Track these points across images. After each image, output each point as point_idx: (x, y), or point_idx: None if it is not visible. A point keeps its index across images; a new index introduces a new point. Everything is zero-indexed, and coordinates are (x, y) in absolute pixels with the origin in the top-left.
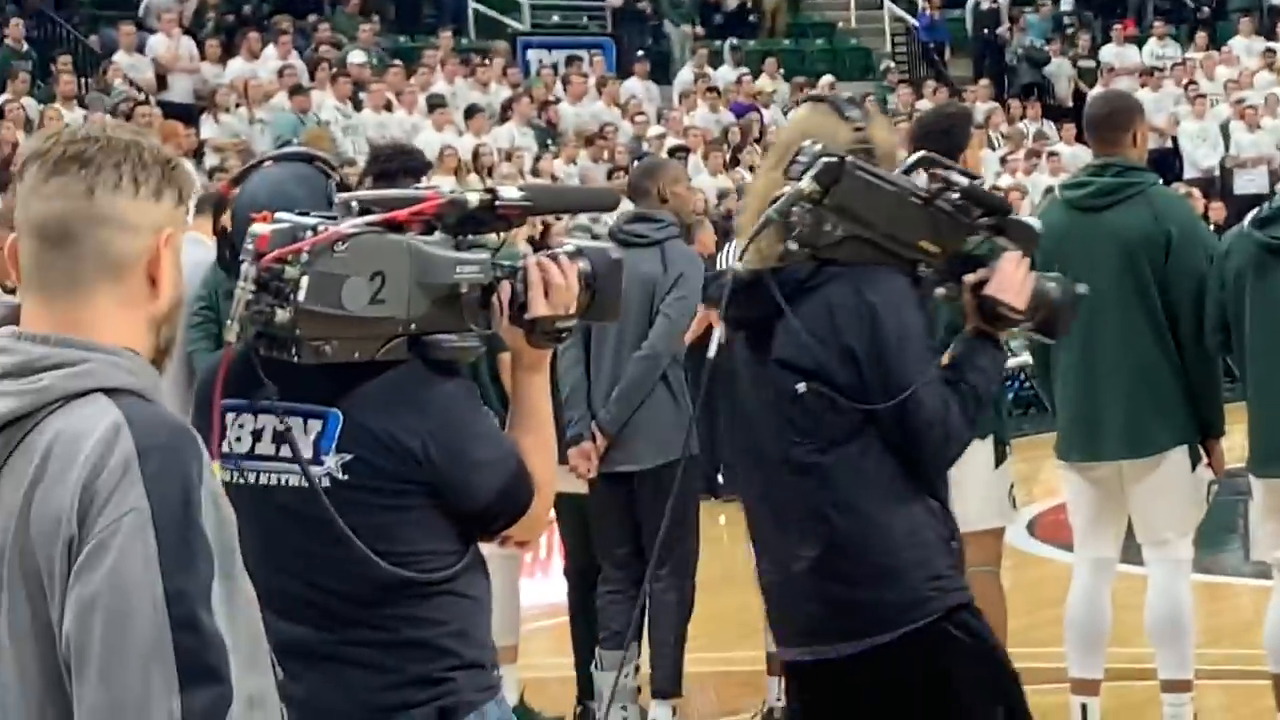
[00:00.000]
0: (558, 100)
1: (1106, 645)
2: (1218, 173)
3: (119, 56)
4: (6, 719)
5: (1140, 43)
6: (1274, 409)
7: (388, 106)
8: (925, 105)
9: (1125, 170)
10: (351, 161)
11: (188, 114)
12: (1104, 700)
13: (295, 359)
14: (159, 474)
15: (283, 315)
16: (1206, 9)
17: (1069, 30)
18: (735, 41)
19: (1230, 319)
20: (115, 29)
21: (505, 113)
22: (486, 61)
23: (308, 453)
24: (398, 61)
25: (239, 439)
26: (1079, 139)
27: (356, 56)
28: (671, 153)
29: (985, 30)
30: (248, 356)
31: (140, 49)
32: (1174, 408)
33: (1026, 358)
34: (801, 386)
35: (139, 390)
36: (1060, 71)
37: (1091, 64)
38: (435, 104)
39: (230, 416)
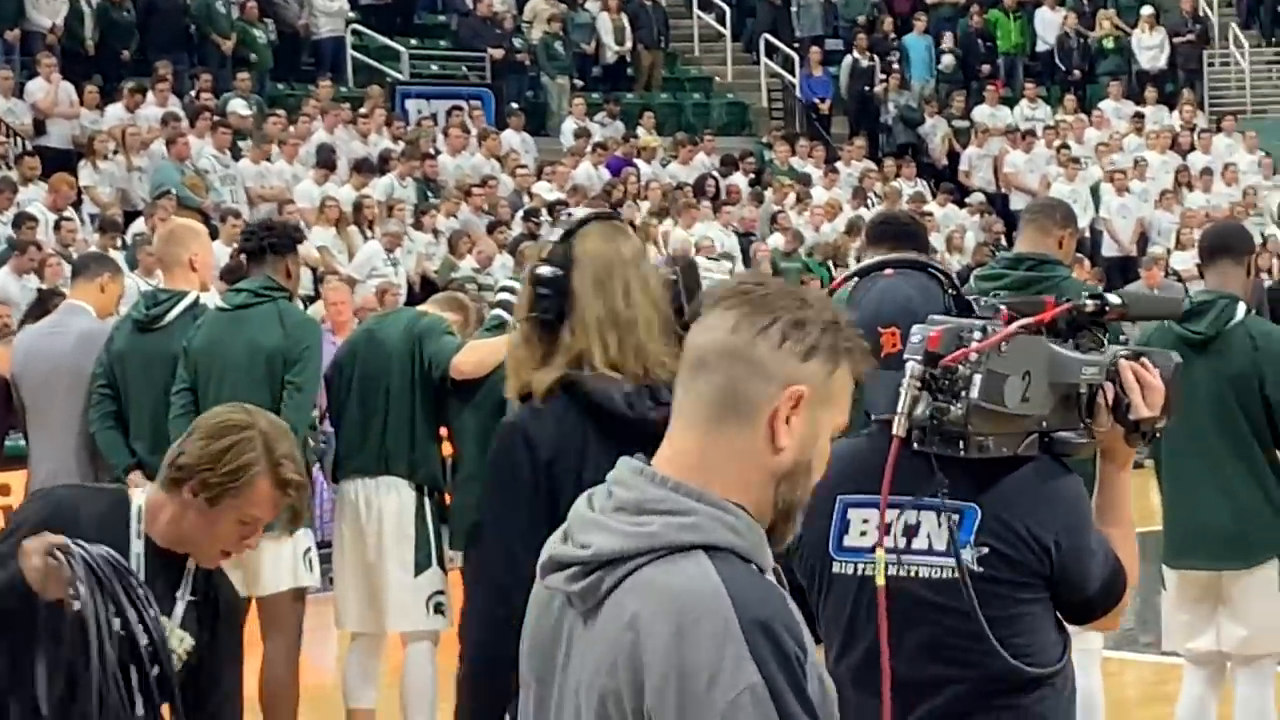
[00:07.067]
0: (438, 152)
1: None
2: (1087, 234)
3: None
4: None
5: (1011, 104)
6: (1185, 502)
7: (267, 156)
8: (797, 163)
9: None
10: (236, 213)
11: (66, 160)
12: None
13: (961, 453)
14: (766, 648)
15: (955, 412)
16: (1077, 72)
17: (943, 91)
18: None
19: None
20: None
21: (385, 164)
22: (366, 113)
23: (942, 545)
24: (278, 111)
25: (864, 534)
26: (952, 200)
27: (236, 105)
28: (551, 208)
29: (861, 89)
30: (871, 451)
31: (19, 93)
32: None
33: None
34: None
35: (742, 552)
36: (935, 131)
37: (965, 124)
38: (324, 161)
39: (853, 511)
